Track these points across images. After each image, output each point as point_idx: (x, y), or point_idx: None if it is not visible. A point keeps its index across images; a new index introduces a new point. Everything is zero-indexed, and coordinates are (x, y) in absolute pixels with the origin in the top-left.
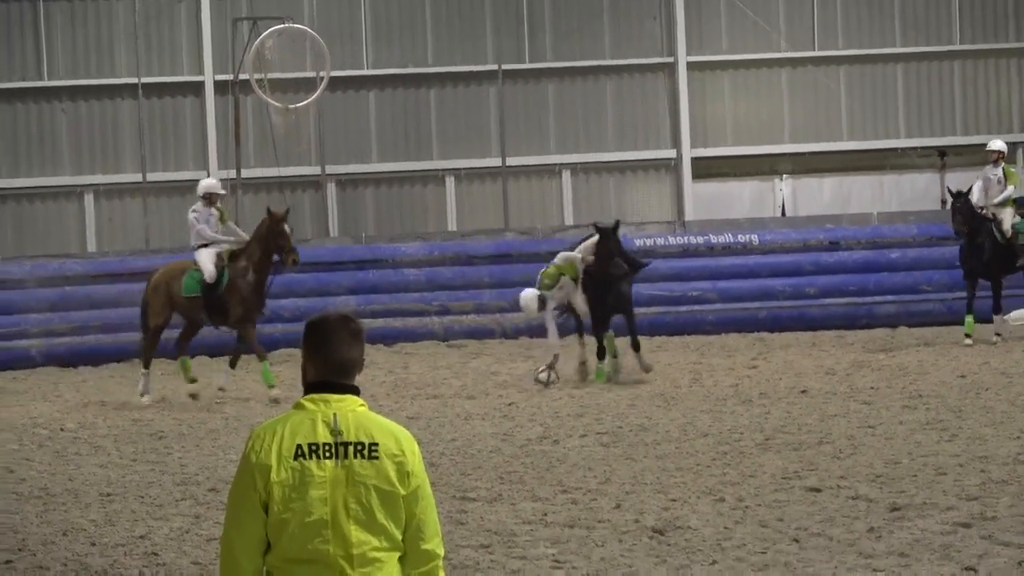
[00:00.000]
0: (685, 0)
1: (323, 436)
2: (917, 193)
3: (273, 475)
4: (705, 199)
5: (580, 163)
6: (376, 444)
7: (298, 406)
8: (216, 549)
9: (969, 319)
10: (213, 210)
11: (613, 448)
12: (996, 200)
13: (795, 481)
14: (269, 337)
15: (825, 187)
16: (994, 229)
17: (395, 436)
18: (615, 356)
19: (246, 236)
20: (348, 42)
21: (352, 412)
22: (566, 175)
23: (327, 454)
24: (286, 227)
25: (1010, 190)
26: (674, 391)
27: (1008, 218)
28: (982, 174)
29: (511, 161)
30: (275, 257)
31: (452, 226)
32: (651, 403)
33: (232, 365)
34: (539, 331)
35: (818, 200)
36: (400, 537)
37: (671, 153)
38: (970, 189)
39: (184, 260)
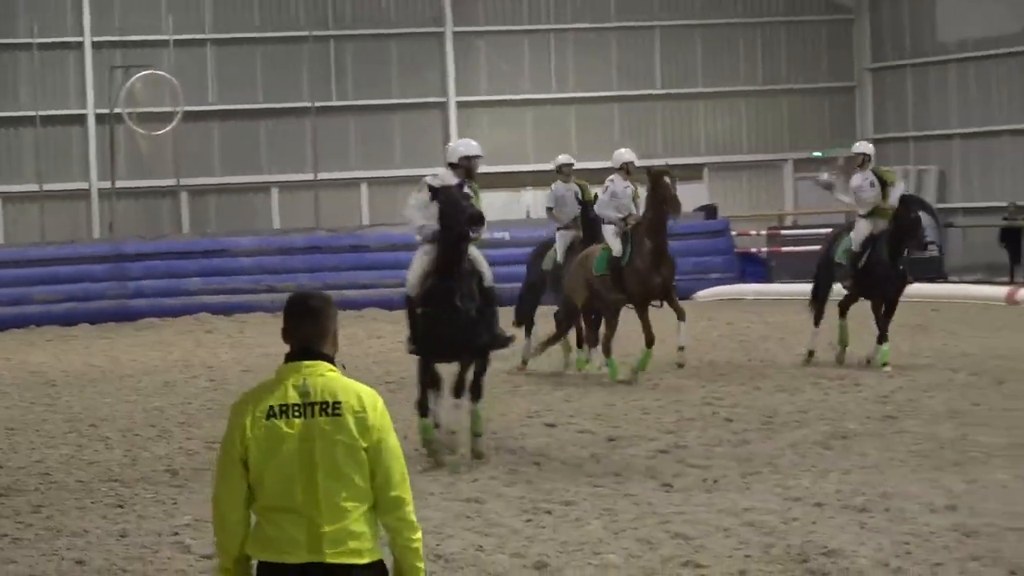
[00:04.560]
0: (455, 55)
1: (292, 398)
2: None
3: (248, 432)
4: None
5: (376, 177)
6: (339, 402)
7: (275, 373)
8: (96, 472)
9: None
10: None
11: (399, 394)
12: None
13: (536, 419)
14: (137, 309)
15: None
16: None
17: (358, 394)
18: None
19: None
20: (197, 84)
21: (321, 376)
22: (364, 186)
23: (296, 414)
24: (666, 178)
25: (901, 186)
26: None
27: (864, 228)
28: (851, 185)
29: (322, 176)
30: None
31: (276, 225)
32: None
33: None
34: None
35: None
36: (368, 487)
37: None
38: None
39: (595, 247)
